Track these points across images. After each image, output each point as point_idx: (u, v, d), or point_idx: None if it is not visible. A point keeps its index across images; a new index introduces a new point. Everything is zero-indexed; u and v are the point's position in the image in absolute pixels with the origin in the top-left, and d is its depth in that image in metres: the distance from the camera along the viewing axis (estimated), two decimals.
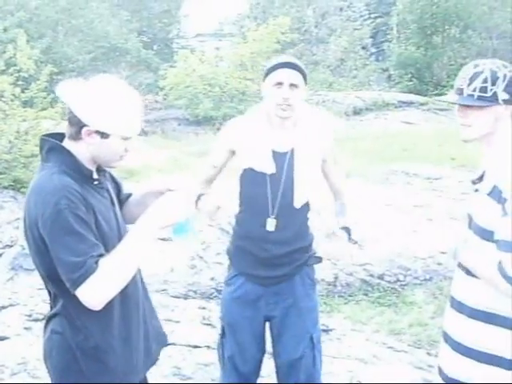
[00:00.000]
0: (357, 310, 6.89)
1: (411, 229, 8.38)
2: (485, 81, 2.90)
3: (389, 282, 7.30)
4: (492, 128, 2.93)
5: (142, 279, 3.22)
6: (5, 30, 29.14)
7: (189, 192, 3.05)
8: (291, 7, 36.31)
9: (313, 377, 4.08)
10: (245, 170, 3.96)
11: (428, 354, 5.92)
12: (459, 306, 3.08)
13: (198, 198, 3.98)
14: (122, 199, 3.31)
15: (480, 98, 2.90)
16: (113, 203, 3.06)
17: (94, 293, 2.71)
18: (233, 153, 4.04)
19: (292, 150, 3.87)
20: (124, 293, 2.87)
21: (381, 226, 8.40)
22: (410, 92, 28.28)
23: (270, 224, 3.90)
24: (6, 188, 10.76)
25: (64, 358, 2.93)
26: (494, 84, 2.88)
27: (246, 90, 22.64)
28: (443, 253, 7.62)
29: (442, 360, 3.23)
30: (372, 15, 39.09)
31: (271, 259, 3.94)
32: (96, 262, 2.70)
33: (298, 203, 3.88)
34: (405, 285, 7.28)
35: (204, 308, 6.65)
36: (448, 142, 16.61)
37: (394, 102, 26.21)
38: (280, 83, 3.76)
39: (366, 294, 7.19)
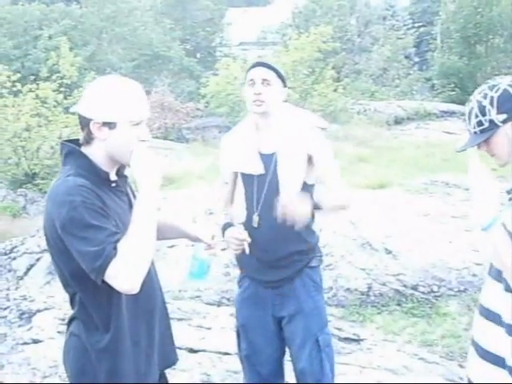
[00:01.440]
0: (389, 321, 6.85)
1: (447, 239, 8.31)
2: (476, 115, 2.96)
3: (423, 292, 7.24)
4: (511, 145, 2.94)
5: (161, 290, 3.26)
6: (49, 37, 29.60)
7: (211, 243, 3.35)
8: (334, 16, 36.28)
9: (321, 382, 4.07)
10: (240, 173, 4.08)
11: (460, 366, 5.85)
12: (487, 314, 3.04)
13: (224, 227, 4.05)
14: None
15: (482, 131, 2.95)
16: (131, 207, 3.08)
17: (122, 276, 2.73)
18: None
19: (277, 151, 3.94)
20: (136, 296, 2.88)
21: (416, 236, 8.34)
22: (453, 102, 28.04)
23: (254, 220, 4.00)
24: (46, 193, 10.89)
25: (80, 359, 2.98)
26: (484, 114, 2.93)
27: (287, 99, 22.55)
28: (478, 264, 7.55)
29: (470, 369, 3.21)
30: (416, 24, 38.96)
31: (263, 259, 3.98)
32: (115, 248, 2.74)
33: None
34: (439, 296, 7.21)
35: None
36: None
37: (436, 112, 26.03)
38: (252, 80, 3.94)
39: (400, 305, 7.14)
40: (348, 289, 7.28)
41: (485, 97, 2.94)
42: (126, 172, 3.19)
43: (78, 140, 3.03)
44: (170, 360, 3.35)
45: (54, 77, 18.60)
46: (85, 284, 2.84)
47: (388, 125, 24.08)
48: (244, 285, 4.22)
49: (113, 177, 3.05)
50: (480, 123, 2.96)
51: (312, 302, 4.08)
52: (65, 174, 2.91)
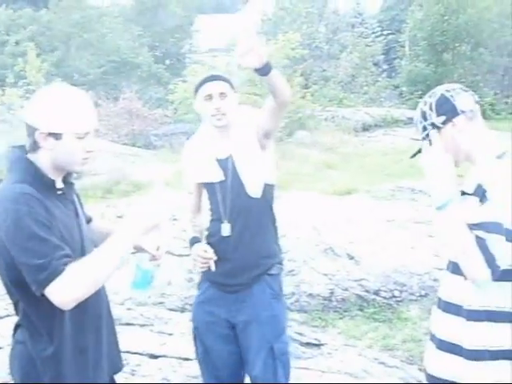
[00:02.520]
0: (351, 325, 6.88)
1: (410, 245, 8.38)
2: (420, 122, 3.20)
3: (384, 297, 7.29)
4: (456, 145, 3.12)
5: (106, 297, 3.26)
6: (16, 43, 29.43)
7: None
8: (302, 23, 36.39)
9: None
10: (203, 183, 4.12)
11: (420, 369, 5.88)
12: (447, 307, 3.13)
13: (192, 242, 4.11)
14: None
15: (427, 135, 3.15)
16: (77, 215, 3.08)
17: (64, 292, 2.72)
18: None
19: (232, 154, 3.97)
20: (83, 305, 2.88)
21: (379, 242, 8.41)
22: None
23: (224, 229, 4.00)
24: None
25: (25, 367, 2.96)
26: (425, 119, 3.16)
27: (255, 106, 22.61)
28: (440, 269, 7.60)
29: (427, 361, 3.29)
30: (384, 32, 39.13)
31: (229, 266, 3.99)
32: (64, 264, 2.73)
33: (254, 195, 3.94)
34: (400, 301, 7.27)
35: None
36: None
37: (404, 119, 26.23)
38: (209, 95, 3.97)
39: (362, 310, 7.18)
40: (310, 294, 7.30)
41: (425, 104, 3.19)
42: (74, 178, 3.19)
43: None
44: (117, 366, 3.34)
45: (20, 83, 18.51)
46: (26, 293, 2.82)
47: (356, 131, 24.21)
48: (202, 288, 4.23)
49: (59, 184, 3.02)
50: (424, 128, 3.17)
51: (269, 310, 4.07)
52: (11, 180, 2.89)
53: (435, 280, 7.46)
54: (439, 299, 3.22)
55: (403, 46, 37.11)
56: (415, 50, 34.80)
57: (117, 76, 34.96)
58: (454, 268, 3.05)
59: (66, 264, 2.73)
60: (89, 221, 3.39)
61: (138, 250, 3.42)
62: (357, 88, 34.77)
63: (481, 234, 2.87)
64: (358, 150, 20.73)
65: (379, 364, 5.94)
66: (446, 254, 3.18)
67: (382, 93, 35.20)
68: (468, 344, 3.02)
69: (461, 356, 3.04)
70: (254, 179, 3.99)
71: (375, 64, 37.66)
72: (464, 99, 3.12)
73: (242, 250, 4.01)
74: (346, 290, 7.38)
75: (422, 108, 3.19)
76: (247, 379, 4.27)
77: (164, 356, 5.71)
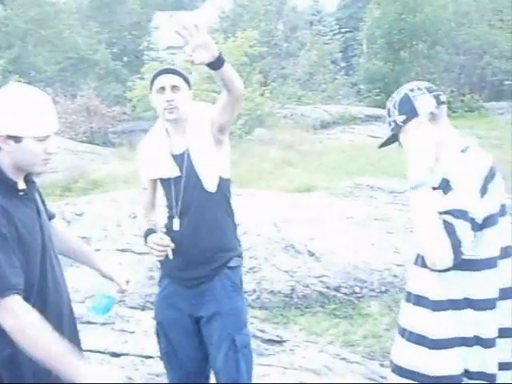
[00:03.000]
0: (312, 322, 6.91)
1: (369, 241, 8.43)
2: (387, 117, 3.33)
3: (345, 294, 7.33)
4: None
5: (68, 296, 3.26)
6: None
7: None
8: (261, 21, 36.46)
9: (237, 382, 4.09)
10: (159, 180, 4.12)
11: (381, 365, 5.94)
12: (415, 299, 3.22)
13: (147, 234, 4.09)
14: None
15: (391, 130, 3.30)
16: (39, 214, 3.07)
17: (9, 321, 2.78)
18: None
19: (187, 149, 3.96)
20: (43, 304, 2.87)
21: (339, 239, 8.44)
22: (378, 106, 28.44)
23: (175, 223, 4.02)
24: None
25: None
26: (389, 116, 3.30)
27: (214, 102, 22.57)
28: (399, 265, 7.68)
29: (394, 352, 3.38)
30: (342, 30, 39.42)
31: (185, 260, 4.00)
32: (19, 293, 2.80)
33: (210, 189, 3.96)
34: (361, 297, 7.31)
35: None
36: None
37: (361, 116, 26.39)
38: (162, 88, 3.97)
39: (323, 306, 7.21)
40: (272, 291, 7.32)
41: (391, 100, 3.30)
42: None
43: None
44: None
45: None
46: None
47: (314, 129, 24.30)
48: (163, 284, 4.23)
49: (21, 185, 3.01)
50: (389, 124, 3.30)
51: (230, 303, 4.09)
52: None
53: (395, 276, 7.53)
54: (408, 293, 3.29)
55: (361, 44, 37.39)
56: (373, 48, 35.06)
57: (74, 73, 34.72)
58: (423, 262, 3.10)
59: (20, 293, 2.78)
60: (51, 217, 3.38)
61: (108, 278, 3.47)
62: (315, 86, 34.91)
63: (449, 219, 2.95)
64: (316, 147, 20.79)
65: (341, 360, 5.97)
66: (415, 248, 3.23)
67: (339, 90, 35.41)
68: (432, 334, 3.10)
69: (426, 346, 3.12)
70: (209, 174, 3.99)
71: (333, 62, 37.88)
72: (425, 101, 3.19)
73: (199, 244, 4.01)
74: (307, 286, 7.41)
75: (388, 104, 3.30)
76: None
77: (126, 354, 5.69)
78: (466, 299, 3.07)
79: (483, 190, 3.01)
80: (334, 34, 39.59)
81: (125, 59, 41.79)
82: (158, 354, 5.68)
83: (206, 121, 4.00)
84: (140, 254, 8.05)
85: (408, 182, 3.09)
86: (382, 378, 5.59)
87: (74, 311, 3.33)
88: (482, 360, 3.09)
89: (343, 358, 6.02)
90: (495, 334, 3.10)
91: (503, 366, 3.16)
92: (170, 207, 4.08)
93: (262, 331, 6.52)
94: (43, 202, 3.26)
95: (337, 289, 7.38)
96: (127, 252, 8.00)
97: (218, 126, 3.97)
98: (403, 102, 3.23)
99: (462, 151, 3.11)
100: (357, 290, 7.38)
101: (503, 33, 35.00)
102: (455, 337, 3.08)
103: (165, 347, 4.27)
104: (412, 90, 3.23)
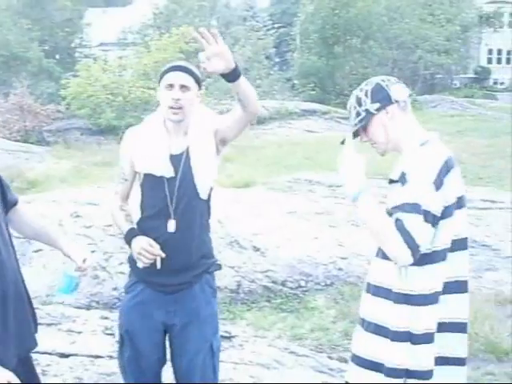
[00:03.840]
0: (259, 317, 6.93)
1: (313, 235, 8.50)
2: (354, 107, 3.29)
3: (291, 288, 7.38)
4: (387, 133, 3.26)
5: (16, 276, 3.23)
6: None
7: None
8: (195, 17, 36.38)
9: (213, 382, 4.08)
10: (145, 175, 3.95)
11: (329, 357, 6.00)
12: (376, 291, 3.26)
13: (131, 235, 3.90)
14: (8, 203, 3.34)
15: (360, 121, 3.27)
16: None
17: None
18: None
19: (187, 151, 3.87)
20: None
21: (283, 233, 8.49)
22: (313, 101, 28.67)
23: (171, 225, 3.87)
24: None
25: None
26: (360, 105, 3.26)
27: (150, 100, 22.54)
28: (344, 258, 7.76)
29: (354, 343, 3.39)
30: (275, 25, 39.53)
31: (171, 266, 3.91)
32: None
33: (203, 196, 3.90)
34: (306, 291, 7.37)
35: (106, 318, 6.59)
36: None
37: (297, 111, 26.55)
38: (171, 85, 3.79)
39: (269, 301, 7.25)
40: (218, 287, 7.25)
41: (361, 90, 3.29)
42: None
43: None
44: (29, 345, 3.35)
45: None
46: None
47: (251, 124, 24.23)
48: (136, 290, 4.03)
49: None
50: (358, 113, 3.27)
51: (209, 309, 4.01)
52: None
53: (340, 269, 7.61)
54: (368, 284, 3.33)
55: (294, 40, 37.55)
56: (307, 43, 35.27)
57: (6, 71, 34.17)
58: (384, 254, 3.14)
59: None
60: (15, 202, 3.39)
61: (66, 256, 3.43)
62: (250, 81, 34.21)
63: (399, 215, 3.00)
64: (253, 142, 20.85)
65: (290, 353, 6.00)
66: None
67: (274, 86, 35.50)
68: (391, 325, 3.14)
69: (386, 337, 3.16)
70: (205, 180, 3.87)
71: (267, 57, 37.97)
72: (398, 89, 3.25)
73: (184, 249, 3.91)
74: (253, 281, 7.44)
75: (357, 94, 3.28)
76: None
77: (75, 355, 5.62)
78: (421, 295, 3.11)
79: (438, 183, 3.05)
80: (268, 30, 39.69)
81: (57, 57, 41.22)
82: (108, 354, 5.69)
83: (210, 127, 3.88)
84: None
85: (347, 197, 3.16)
86: (331, 370, 5.64)
87: (27, 292, 3.31)
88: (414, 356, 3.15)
89: (292, 352, 6.05)
90: (431, 330, 3.14)
91: (456, 362, 3.22)
92: (152, 207, 3.91)
93: None
94: (3, 187, 3.27)
95: (283, 283, 7.43)
96: None
97: (223, 138, 3.87)
98: (376, 90, 3.24)
99: (421, 145, 3.16)
100: (302, 283, 7.44)
101: (434, 27, 35.63)
102: (416, 332, 3.12)
103: (129, 357, 4.13)
104: (383, 80, 3.27)
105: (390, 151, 3.32)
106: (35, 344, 3.39)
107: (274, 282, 7.44)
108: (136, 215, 4.04)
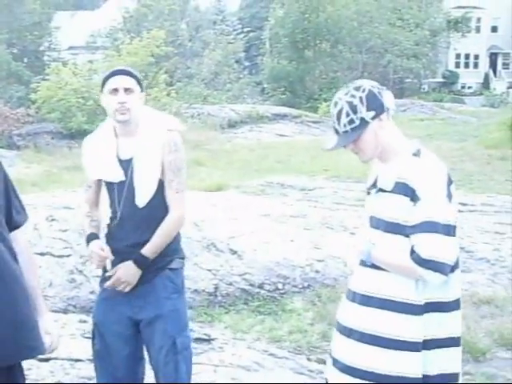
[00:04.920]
0: (237, 319, 6.94)
1: (289, 238, 8.52)
2: (347, 114, 3.18)
3: (268, 290, 7.39)
4: (377, 141, 3.22)
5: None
6: None
7: None
8: (165, 20, 36.33)
9: (175, 382, 4.09)
10: (97, 181, 4.09)
11: (308, 359, 6.03)
12: (359, 298, 3.29)
13: (89, 238, 4.03)
14: (12, 223, 3.22)
15: (353, 129, 3.18)
16: None
17: None
18: None
19: (134, 156, 3.95)
20: None
21: (259, 237, 8.50)
22: (284, 105, 28.76)
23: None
24: None
25: None
26: (355, 112, 3.16)
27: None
28: (320, 261, 7.80)
29: (334, 348, 3.42)
30: (245, 29, 39.62)
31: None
32: None
33: (140, 203, 3.94)
34: (284, 293, 7.39)
35: (85, 322, 6.56)
36: (321, 154, 16.98)
37: (268, 115, 26.61)
38: (115, 89, 3.91)
39: (247, 303, 7.26)
40: (195, 290, 7.32)
41: (354, 97, 3.18)
42: None
43: None
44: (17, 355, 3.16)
45: None
46: None
47: (222, 128, 24.40)
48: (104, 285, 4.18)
49: None
50: (351, 121, 3.18)
51: (171, 305, 4.06)
52: None
53: (317, 271, 7.64)
54: (354, 293, 3.34)
55: (265, 44, 37.64)
56: (277, 47, 35.43)
57: None
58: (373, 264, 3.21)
59: None
60: (16, 226, 3.25)
61: None
62: (220, 85, 35.03)
63: (419, 239, 3.06)
64: (225, 146, 20.91)
65: (269, 356, 6.02)
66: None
67: (244, 90, 35.60)
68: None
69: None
70: (148, 185, 3.96)
71: (237, 61, 38.05)
72: (388, 97, 3.23)
73: (138, 248, 3.99)
74: (231, 284, 7.45)
75: (350, 101, 3.18)
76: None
77: (55, 359, 5.60)
78: (395, 301, 3.19)
79: (449, 196, 3.11)
80: (238, 34, 39.82)
81: (25, 60, 40.98)
82: (88, 357, 5.65)
83: (160, 143, 3.96)
84: (60, 256, 7.93)
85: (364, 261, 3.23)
86: (311, 371, 5.68)
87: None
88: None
89: (271, 354, 6.07)
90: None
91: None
92: (113, 210, 4.05)
93: (190, 330, 6.52)
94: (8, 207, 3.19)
95: (260, 286, 7.44)
96: (46, 255, 7.86)
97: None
98: (370, 97, 3.17)
99: (415, 154, 3.18)
100: (280, 286, 7.46)
101: (403, 32, 35.91)
102: (387, 336, 3.18)
103: (99, 349, 4.19)
104: (373, 87, 3.21)
105: (373, 159, 3.31)
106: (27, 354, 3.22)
107: (251, 284, 7.46)
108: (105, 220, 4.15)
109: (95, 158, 4.07)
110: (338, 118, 3.21)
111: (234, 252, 8.01)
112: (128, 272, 3.90)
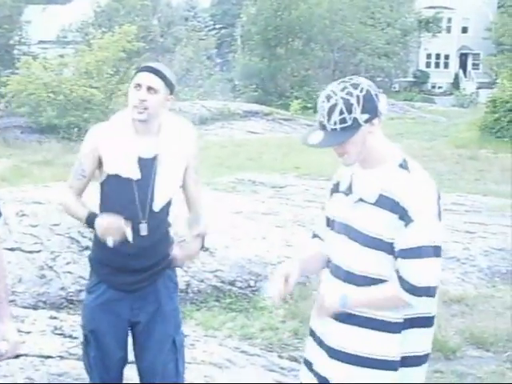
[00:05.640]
0: (209, 316, 6.93)
1: (260, 236, 8.52)
2: (341, 112, 2.93)
3: (240, 287, 7.39)
4: (364, 146, 3.01)
5: None
6: None
7: None
8: (137, 16, 36.23)
9: (175, 382, 4.08)
10: (109, 176, 3.89)
11: (280, 356, 6.03)
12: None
13: (93, 217, 3.84)
14: None
15: (343, 129, 2.95)
16: None
17: None
18: (100, 159, 3.92)
19: (156, 156, 3.84)
20: None
21: (231, 234, 8.49)
22: (255, 102, 28.78)
23: (143, 229, 3.83)
24: None
25: None
26: (350, 112, 2.92)
27: (92, 99, 22.41)
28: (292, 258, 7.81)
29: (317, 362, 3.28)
30: (217, 26, 39.63)
31: (135, 266, 3.89)
32: None
33: (157, 207, 3.86)
34: (255, 290, 7.39)
35: (55, 318, 6.52)
36: (292, 152, 17.04)
37: (240, 112, 26.62)
38: (139, 85, 3.72)
39: (218, 301, 7.25)
40: None
41: (351, 95, 2.94)
42: None
43: None
44: None
45: None
46: None
47: (193, 125, 24.29)
48: (99, 290, 3.99)
49: None
50: (343, 120, 2.94)
51: (171, 304, 4.01)
52: None
53: None
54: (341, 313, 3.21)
55: (236, 40, 37.67)
56: (249, 44, 35.44)
57: None
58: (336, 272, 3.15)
59: None
60: None
61: None
62: (191, 81, 34.99)
63: (412, 265, 2.95)
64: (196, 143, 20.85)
65: (241, 353, 6.02)
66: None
67: (216, 86, 35.59)
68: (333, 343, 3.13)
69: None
70: (170, 186, 3.89)
71: (209, 58, 38.06)
72: (383, 102, 3.02)
73: (153, 251, 3.88)
74: (202, 281, 7.43)
75: (347, 98, 2.93)
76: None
77: (25, 355, 5.55)
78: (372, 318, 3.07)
79: (439, 213, 3.00)
80: (209, 30, 39.86)
81: None
82: (58, 354, 5.64)
83: (185, 150, 3.92)
84: (30, 252, 7.86)
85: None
86: (282, 368, 5.68)
87: None
88: None
89: (243, 351, 6.07)
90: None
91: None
92: (130, 211, 3.83)
93: None
94: None
95: (232, 283, 7.44)
96: (16, 251, 7.79)
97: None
98: (368, 99, 2.95)
99: (401, 166, 3.03)
100: (251, 283, 7.46)
101: (375, 31, 36.08)
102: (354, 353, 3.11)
103: (94, 357, 4.07)
104: (371, 88, 2.98)
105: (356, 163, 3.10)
106: None
107: (223, 281, 7.45)
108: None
109: (113, 152, 3.84)
110: (329, 114, 2.94)
111: (205, 249, 7.97)
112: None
